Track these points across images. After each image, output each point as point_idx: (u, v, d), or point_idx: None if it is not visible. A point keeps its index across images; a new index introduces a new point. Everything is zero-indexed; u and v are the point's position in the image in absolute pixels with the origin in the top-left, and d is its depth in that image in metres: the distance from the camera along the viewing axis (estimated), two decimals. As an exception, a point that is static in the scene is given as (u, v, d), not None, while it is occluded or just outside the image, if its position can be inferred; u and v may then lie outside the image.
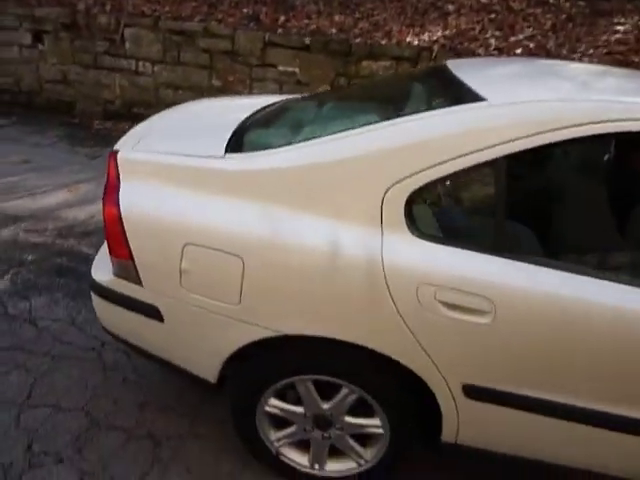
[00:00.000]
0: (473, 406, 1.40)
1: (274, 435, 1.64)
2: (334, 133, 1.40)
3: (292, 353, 1.48)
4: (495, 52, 4.56)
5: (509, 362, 1.33)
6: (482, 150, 1.28)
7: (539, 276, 1.28)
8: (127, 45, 4.97)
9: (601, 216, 1.56)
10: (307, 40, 4.57)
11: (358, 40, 4.61)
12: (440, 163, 1.29)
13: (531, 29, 4.87)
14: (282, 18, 4.93)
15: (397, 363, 1.38)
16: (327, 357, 1.46)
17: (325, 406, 1.54)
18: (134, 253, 1.48)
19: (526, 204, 1.48)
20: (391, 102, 1.70)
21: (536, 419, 1.38)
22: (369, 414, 1.53)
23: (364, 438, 1.61)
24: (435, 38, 4.67)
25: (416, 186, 1.31)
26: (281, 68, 4.69)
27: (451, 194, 1.53)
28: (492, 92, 1.39)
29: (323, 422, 1.58)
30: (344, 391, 1.50)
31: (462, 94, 1.43)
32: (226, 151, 1.51)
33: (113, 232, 1.48)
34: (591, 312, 1.26)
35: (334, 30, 4.80)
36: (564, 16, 5.15)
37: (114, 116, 5.19)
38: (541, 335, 1.29)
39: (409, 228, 1.32)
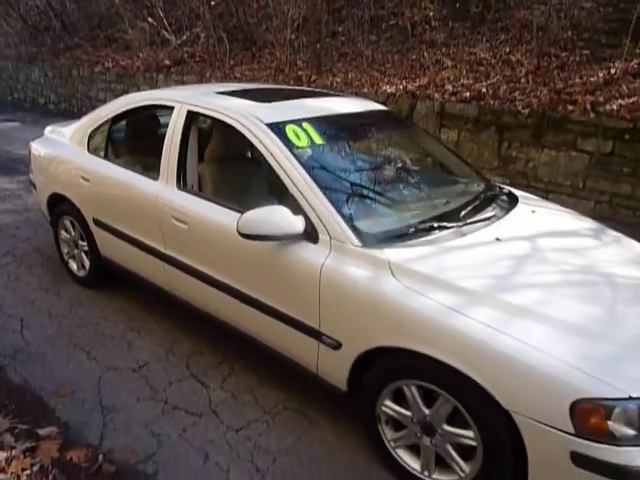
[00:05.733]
0: (98, 231, 3.04)
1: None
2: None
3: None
4: (447, 96, 5.42)
5: (105, 207, 2.96)
6: (110, 113, 3.01)
7: (111, 168, 2.90)
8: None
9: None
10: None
11: (349, 90, 6.09)
12: (99, 119, 3.07)
13: (501, 76, 5.50)
14: (313, 77, 6.78)
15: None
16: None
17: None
18: (34, 166, 3.60)
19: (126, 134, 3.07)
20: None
21: (128, 247, 2.90)
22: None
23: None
24: (408, 86, 5.80)
25: (92, 129, 3.10)
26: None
27: (102, 132, 3.19)
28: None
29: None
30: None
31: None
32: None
33: (28, 157, 3.65)
34: (122, 185, 2.82)
35: (341, 84, 6.38)
36: (555, 64, 5.57)
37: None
38: (110, 194, 2.89)
39: (87, 149, 3.11)
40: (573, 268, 1.97)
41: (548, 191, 4.83)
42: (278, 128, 2.28)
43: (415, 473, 1.94)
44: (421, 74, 6.17)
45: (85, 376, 2.55)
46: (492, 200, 2.53)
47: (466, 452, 1.79)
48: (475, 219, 2.23)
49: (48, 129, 3.71)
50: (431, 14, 7.14)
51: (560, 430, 1.52)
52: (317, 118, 2.45)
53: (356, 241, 1.95)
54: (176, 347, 2.80)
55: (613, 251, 2.27)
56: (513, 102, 5.04)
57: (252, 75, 7.51)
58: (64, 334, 2.89)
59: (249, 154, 3.02)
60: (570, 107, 4.71)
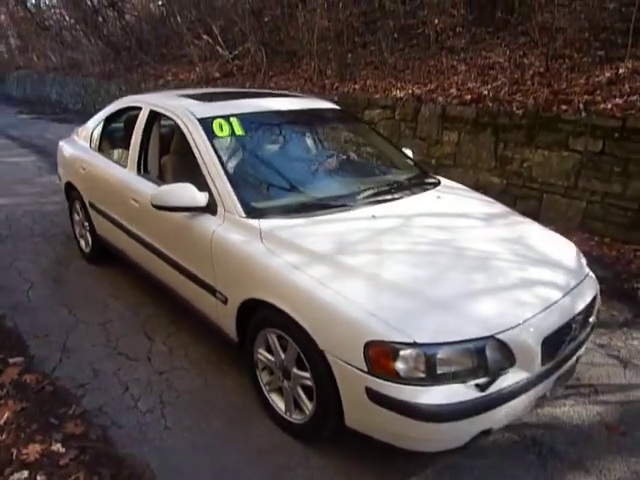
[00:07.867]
0: (93, 212, 3.64)
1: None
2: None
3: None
4: (450, 99, 5.54)
5: (95, 192, 3.55)
6: (105, 114, 3.62)
7: (99, 159, 3.49)
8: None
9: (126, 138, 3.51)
10: (335, 98, 6.65)
11: (364, 96, 6.40)
12: (98, 120, 3.70)
13: (508, 79, 5.52)
14: (336, 85, 7.15)
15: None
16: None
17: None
18: (59, 160, 4.33)
19: (114, 131, 3.64)
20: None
21: (110, 225, 3.48)
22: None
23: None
24: (416, 91, 5.99)
25: (93, 127, 3.73)
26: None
27: (98, 130, 3.77)
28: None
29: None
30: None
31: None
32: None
33: (57, 156, 4.38)
34: (104, 173, 3.39)
35: (358, 90, 6.70)
36: (567, 65, 5.50)
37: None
38: (97, 180, 3.48)
39: (90, 144, 3.73)
40: (428, 241, 2.19)
41: (542, 191, 4.81)
42: (207, 122, 2.70)
43: (281, 413, 2.25)
44: (434, 79, 6.33)
45: (61, 326, 3.12)
46: (408, 187, 2.77)
47: (311, 393, 2.08)
48: (369, 200, 2.50)
49: (75, 130, 4.43)
50: (455, 20, 7.28)
51: (357, 368, 1.78)
52: (247, 114, 2.84)
53: (242, 213, 2.32)
54: (140, 310, 3.30)
55: (493, 231, 2.42)
56: (510, 103, 5.08)
57: (285, 84, 8.05)
58: (58, 295, 3.51)
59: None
60: (564, 107, 4.68)
